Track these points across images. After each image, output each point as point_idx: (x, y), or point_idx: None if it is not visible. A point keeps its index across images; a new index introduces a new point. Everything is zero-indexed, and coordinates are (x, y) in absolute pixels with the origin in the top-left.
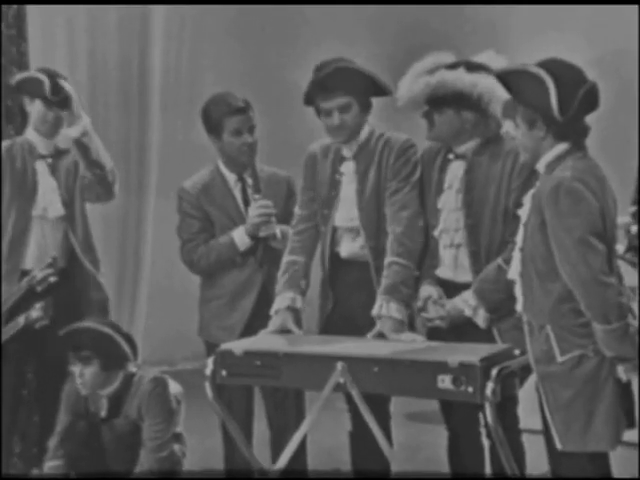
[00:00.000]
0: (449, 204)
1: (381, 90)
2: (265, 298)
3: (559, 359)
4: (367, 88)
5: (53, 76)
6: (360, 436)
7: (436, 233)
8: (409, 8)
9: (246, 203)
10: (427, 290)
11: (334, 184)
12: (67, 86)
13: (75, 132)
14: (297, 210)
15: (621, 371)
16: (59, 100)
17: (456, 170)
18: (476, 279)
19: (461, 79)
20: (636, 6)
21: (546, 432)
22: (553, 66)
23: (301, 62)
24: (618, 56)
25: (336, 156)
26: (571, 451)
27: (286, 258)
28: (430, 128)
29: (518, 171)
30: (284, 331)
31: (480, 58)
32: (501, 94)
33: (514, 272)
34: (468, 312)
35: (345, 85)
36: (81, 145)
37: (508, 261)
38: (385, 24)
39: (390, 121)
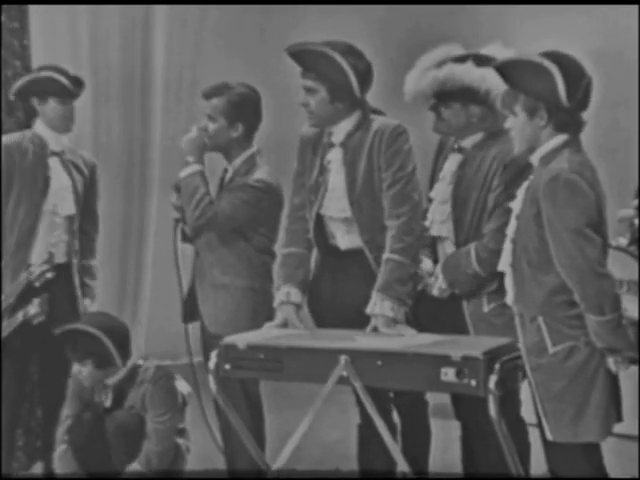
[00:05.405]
0: (439, 195)
1: (364, 86)
2: None
3: (551, 350)
4: (342, 82)
5: (60, 70)
6: (369, 429)
7: (427, 223)
8: (410, 8)
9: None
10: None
11: (322, 170)
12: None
13: None
14: (292, 198)
15: (611, 363)
16: (76, 90)
17: (453, 162)
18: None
19: (470, 73)
20: (636, 6)
21: (540, 424)
22: (555, 57)
23: None
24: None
25: (326, 141)
26: (562, 442)
27: (282, 250)
28: (437, 121)
29: (502, 169)
30: (287, 325)
31: (487, 50)
32: None
33: (505, 263)
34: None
35: (314, 69)
36: None
37: (482, 249)
38: (387, 24)
39: (396, 116)
